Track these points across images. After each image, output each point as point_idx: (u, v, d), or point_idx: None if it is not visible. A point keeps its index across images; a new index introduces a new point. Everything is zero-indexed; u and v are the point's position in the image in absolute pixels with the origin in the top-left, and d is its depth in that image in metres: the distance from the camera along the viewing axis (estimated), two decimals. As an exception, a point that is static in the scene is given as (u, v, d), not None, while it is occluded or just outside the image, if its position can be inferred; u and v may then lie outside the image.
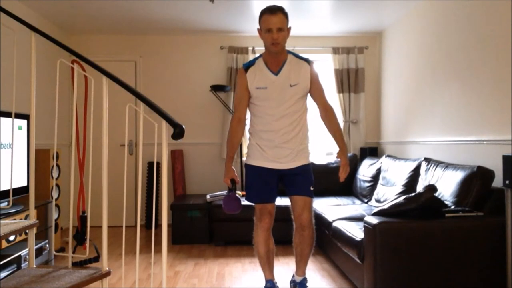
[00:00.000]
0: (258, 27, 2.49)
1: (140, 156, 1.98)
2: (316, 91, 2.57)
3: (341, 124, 5.15)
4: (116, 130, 5.10)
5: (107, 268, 1.91)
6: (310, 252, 2.66)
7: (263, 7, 2.50)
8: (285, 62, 2.52)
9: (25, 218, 2.98)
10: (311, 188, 2.60)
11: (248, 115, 2.64)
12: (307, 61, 2.55)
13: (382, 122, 5.22)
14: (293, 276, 2.80)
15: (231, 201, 2.52)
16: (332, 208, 3.79)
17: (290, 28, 2.48)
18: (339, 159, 2.62)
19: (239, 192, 4.48)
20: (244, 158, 4.88)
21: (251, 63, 2.58)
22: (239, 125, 2.59)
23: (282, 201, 3.85)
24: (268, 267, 2.69)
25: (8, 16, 2.14)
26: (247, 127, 2.74)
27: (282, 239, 4.09)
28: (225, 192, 4.58)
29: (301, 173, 2.57)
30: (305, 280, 2.74)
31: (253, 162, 2.60)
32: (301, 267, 2.71)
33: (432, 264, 2.42)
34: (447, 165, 3.04)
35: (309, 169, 2.63)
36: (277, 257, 3.69)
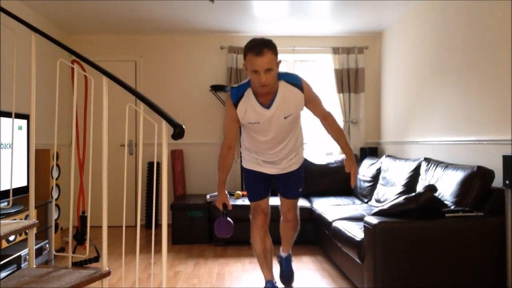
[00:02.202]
0: (244, 62, 2.24)
1: (140, 156, 1.98)
2: (313, 107, 2.45)
3: (341, 124, 5.14)
4: (116, 130, 5.10)
5: (107, 268, 1.91)
6: (294, 235, 2.89)
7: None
8: (277, 92, 2.31)
9: (25, 218, 2.98)
10: (300, 190, 2.72)
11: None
12: (300, 86, 2.33)
13: (382, 122, 5.22)
14: (279, 252, 3.00)
15: (223, 225, 2.46)
16: (332, 208, 3.79)
17: (280, 61, 2.24)
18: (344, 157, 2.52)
19: (242, 197, 4.48)
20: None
21: (240, 94, 2.35)
22: (230, 152, 2.47)
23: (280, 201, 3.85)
24: (266, 266, 2.70)
25: (8, 16, 2.14)
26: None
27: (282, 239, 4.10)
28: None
29: (292, 176, 2.66)
30: (289, 256, 2.99)
31: (249, 166, 2.67)
32: (286, 246, 2.94)
33: (432, 264, 2.42)
34: (447, 165, 3.04)
35: (301, 170, 2.70)
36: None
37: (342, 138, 2.50)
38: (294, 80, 2.34)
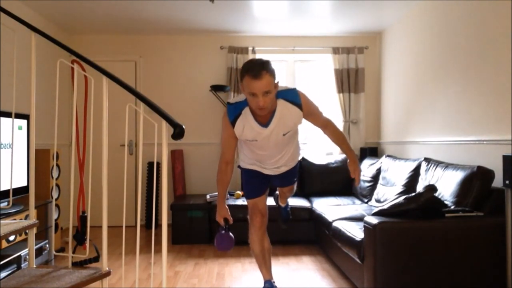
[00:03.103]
0: (241, 83, 2.15)
1: (140, 156, 1.98)
2: (313, 119, 2.41)
3: (341, 124, 5.16)
4: (116, 130, 5.10)
5: (107, 268, 1.91)
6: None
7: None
8: (275, 111, 2.26)
9: (25, 218, 2.98)
10: (295, 179, 2.82)
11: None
12: (298, 105, 2.26)
13: (382, 122, 5.22)
14: (278, 201, 3.14)
15: (224, 240, 2.37)
16: (332, 208, 3.79)
17: (278, 83, 2.17)
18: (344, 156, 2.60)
19: (242, 197, 4.48)
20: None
21: (237, 112, 2.29)
22: (228, 167, 2.43)
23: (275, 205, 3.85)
24: (264, 267, 2.71)
25: (8, 16, 2.14)
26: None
27: (282, 239, 4.10)
28: None
29: (289, 173, 2.68)
30: (287, 205, 3.19)
31: (247, 167, 2.67)
32: (284, 202, 3.11)
33: (432, 264, 2.42)
34: (447, 165, 3.04)
35: (297, 165, 2.73)
36: (277, 257, 3.69)
37: (344, 144, 2.47)
38: (292, 98, 2.27)
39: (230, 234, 2.40)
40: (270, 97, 2.12)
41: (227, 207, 2.45)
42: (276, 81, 2.15)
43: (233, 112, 2.30)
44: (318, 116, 2.41)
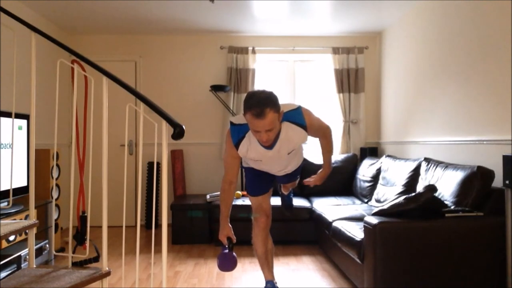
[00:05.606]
0: (243, 114, 2.08)
1: (140, 156, 1.98)
2: (315, 134, 2.38)
3: (341, 124, 5.16)
4: (116, 130, 5.10)
5: (107, 268, 1.91)
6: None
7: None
8: (280, 133, 2.21)
9: (25, 218, 2.98)
10: (298, 176, 2.83)
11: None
12: (303, 126, 2.21)
13: (382, 122, 5.22)
14: (280, 191, 3.14)
15: (227, 260, 2.28)
16: (332, 208, 3.79)
17: (282, 112, 2.10)
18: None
19: (242, 197, 4.48)
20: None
21: (241, 135, 2.25)
22: (231, 187, 2.40)
23: (279, 201, 3.85)
24: (267, 267, 2.71)
25: (8, 16, 2.14)
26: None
27: (282, 239, 4.10)
28: None
29: (293, 173, 2.68)
30: (290, 193, 3.20)
31: (250, 166, 2.66)
32: (286, 191, 3.14)
33: (432, 264, 2.42)
34: (447, 165, 3.04)
35: (300, 166, 2.73)
36: (277, 257, 3.69)
37: (328, 155, 2.55)
38: (297, 120, 2.22)
39: (234, 254, 2.31)
40: (274, 131, 2.07)
41: (230, 226, 2.39)
42: (280, 111, 2.08)
43: (237, 135, 2.27)
44: (320, 129, 2.38)
